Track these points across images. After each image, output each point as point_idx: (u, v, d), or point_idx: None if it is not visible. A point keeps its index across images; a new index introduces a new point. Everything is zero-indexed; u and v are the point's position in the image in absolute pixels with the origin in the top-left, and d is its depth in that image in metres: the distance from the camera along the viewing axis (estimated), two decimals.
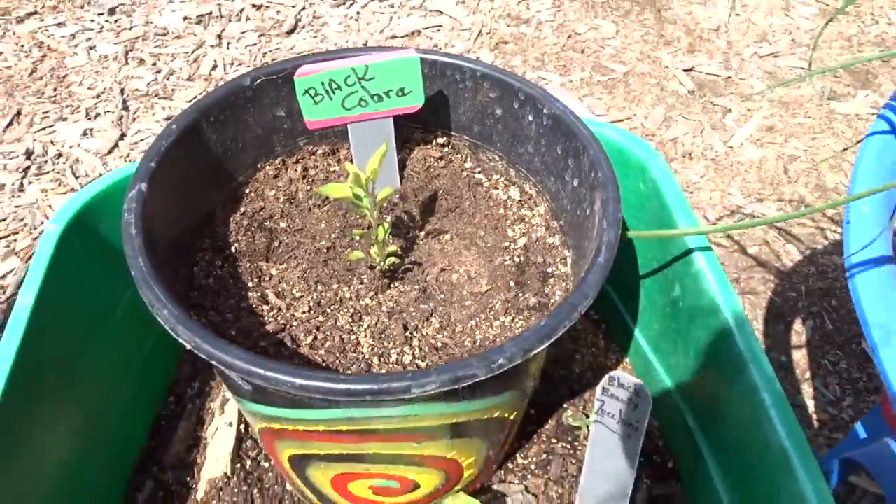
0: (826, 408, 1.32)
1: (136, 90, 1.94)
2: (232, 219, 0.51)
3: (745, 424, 0.45)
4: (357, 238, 0.52)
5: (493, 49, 1.85)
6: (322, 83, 0.48)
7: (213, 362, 0.37)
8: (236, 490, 0.57)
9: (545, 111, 0.50)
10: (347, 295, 0.49)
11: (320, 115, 0.49)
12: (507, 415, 0.47)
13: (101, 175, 1.73)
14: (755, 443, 0.44)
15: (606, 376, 0.44)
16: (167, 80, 1.95)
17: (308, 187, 0.54)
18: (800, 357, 1.33)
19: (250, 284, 0.49)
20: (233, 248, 0.50)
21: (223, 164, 0.52)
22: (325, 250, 0.51)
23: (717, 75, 1.77)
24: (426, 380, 0.35)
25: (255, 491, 0.58)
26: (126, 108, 1.90)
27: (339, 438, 0.42)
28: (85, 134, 1.84)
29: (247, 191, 0.53)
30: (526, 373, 0.44)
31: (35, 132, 1.86)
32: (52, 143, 1.84)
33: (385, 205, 0.53)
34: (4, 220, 1.68)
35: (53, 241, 0.54)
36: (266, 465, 0.60)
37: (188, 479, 0.59)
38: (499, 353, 0.36)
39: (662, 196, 0.54)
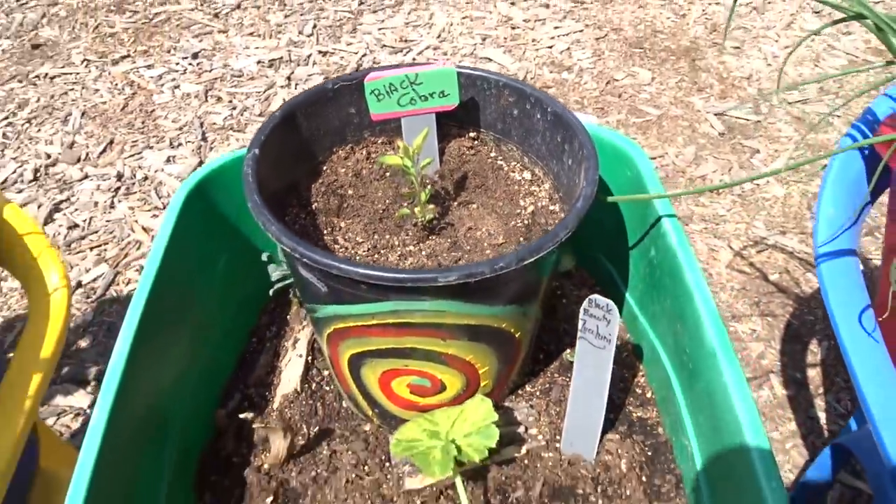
0: (837, 420, 1.44)
1: (214, 124, 2.19)
2: (313, 186, 0.71)
3: (692, 339, 0.61)
4: (406, 204, 0.70)
5: None
6: (384, 86, 0.67)
7: (305, 261, 0.55)
8: (304, 403, 0.75)
9: (549, 110, 0.68)
10: (396, 243, 0.67)
11: (381, 109, 0.68)
12: (512, 330, 0.64)
13: None
14: (697, 350, 0.60)
15: (587, 299, 0.60)
16: (241, 115, 2.20)
17: (370, 166, 0.73)
18: (814, 374, 1.46)
19: (325, 232, 0.67)
20: (313, 207, 0.69)
21: (308, 146, 0.71)
22: (381, 211, 0.69)
23: (747, 119, 1.94)
24: (448, 273, 0.53)
25: (318, 405, 0.75)
26: (204, 139, 2.14)
27: (387, 332, 0.60)
28: (168, 161, 2.09)
29: (324, 167, 0.73)
30: (524, 292, 0.61)
31: (125, 158, 2.12)
32: (139, 167, 2.10)
33: (427, 181, 0.72)
34: (97, 232, 1.92)
35: (180, 202, 0.74)
36: (327, 388, 0.77)
37: (266, 394, 0.77)
38: (500, 260, 0.54)
39: (643, 179, 0.71)
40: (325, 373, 0.79)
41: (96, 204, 2.00)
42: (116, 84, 2.34)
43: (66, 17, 2.63)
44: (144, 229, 1.88)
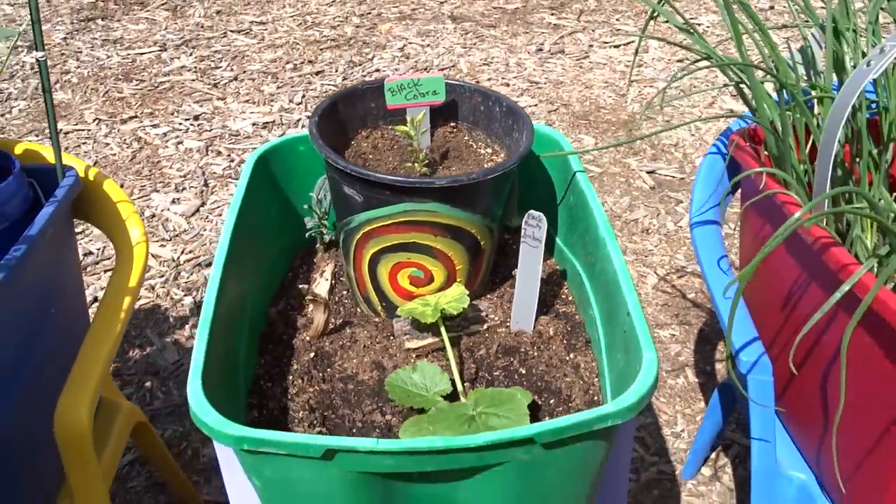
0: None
1: (214, 173, 2.59)
2: (345, 152, 1.10)
3: (592, 240, 1.00)
4: (408, 163, 1.09)
5: None
6: (397, 85, 1.08)
7: (352, 174, 0.93)
8: (330, 307, 1.11)
9: (504, 104, 1.09)
10: None
11: (394, 101, 1.09)
12: (479, 237, 1.02)
13: (185, 230, 2.34)
14: (594, 245, 0.99)
15: (527, 213, 0.99)
16: (239, 166, 2.60)
17: (384, 142, 1.13)
18: (720, 367, 1.85)
19: None
20: None
21: (343, 126, 1.11)
22: (391, 169, 1.09)
23: (674, 177, 2.40)
24: (441, 179, 0.92)
25: (341, 308, 1.12)
26: (206, 184, 2.53)
27: (398, 229, 0.98)
28: (174, 202, 2.47)
29: (352, 141, 1.12)
30: (488, 206, 1.00)
31: (134, 199, 2.50)
32: (147, 207, 2.47)
33: (422, 150, 1.11)
34: (110, 258, 2.26)
35: (252, 164, 1.12)
36: (347, 301, 1.14)
37: (303, 301, 1.13)
38: (473, 174, 0.93)
39: (566, 157, 1.12)
40: (345, 291, 1.16)
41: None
42: (125, 139, 2.73)
43: (77, 83, 3.04)
44: (153, 255, 2.22)
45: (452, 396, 0.94)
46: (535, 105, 2.77)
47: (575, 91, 2.86)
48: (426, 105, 1.11)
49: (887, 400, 0.89)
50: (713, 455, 1.62)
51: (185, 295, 2.10)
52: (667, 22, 1.24)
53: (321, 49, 3.26)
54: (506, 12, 3.59)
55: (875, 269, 0.89)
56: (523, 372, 1.00)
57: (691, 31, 1.17)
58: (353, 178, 0.96)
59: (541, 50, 3.21)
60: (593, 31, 3.37)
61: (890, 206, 0.94)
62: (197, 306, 2.07)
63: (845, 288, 0.86)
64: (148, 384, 1.85)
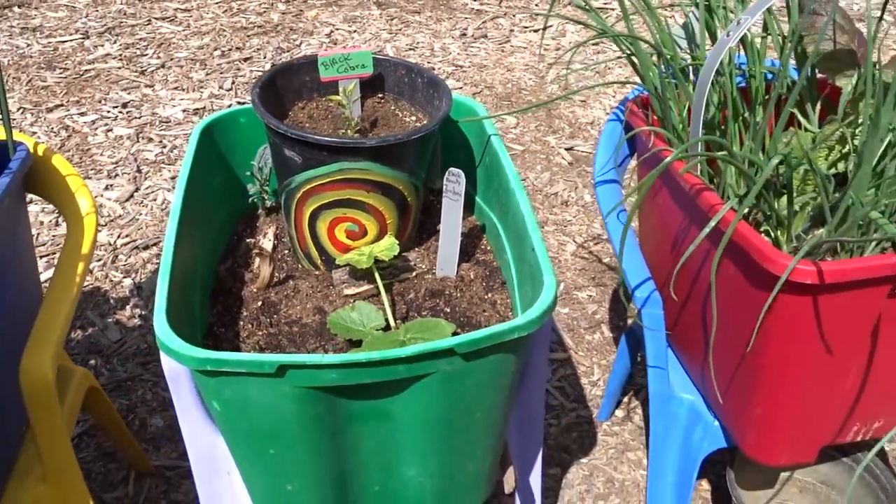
0: None
1: (147, 159, 2.68)
2: (283, 122, 1.24)
3: (504, 191, 1.17)
4: (341, 131, 1.24)
5: None
6: (329, 59, 1.23)
7: (292, 137, 1.08)
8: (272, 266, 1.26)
9: (425, 76, 1.26)
10: None
11: (328, 74, 1.24)
12: (406, 193, 1.18)
13: (120, 215, 2.44)
14: (506, 195, 1.16)
15: (447, 171, 1.15)
16: (171, 152, 2.70)
17: (318, 112, 1.28)
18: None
19: None
20: None
21: (281, 97, 1.26)
22: (328, 133, 1.24)
23: (590, 153, 2.61)
24: (373, 140, 1.08)
25: (284, 264, 1.27)
26: (139, 170, 2.62)
27: (335, 187, 1.13)
28: (107, 188, 2.56)
29: (290, 112, 1.27)
30: (413, 166, 1.16)
31: None
32: None
33: (354, 123, 1.27)
34: (45, 244, 2.35)
35: (197, 135, 1.25)
36: (289, 258, 1.29)
37: (248, 260, 1.27)
38: (400, 135, 1.09)
39: (483, 122, 1.29)
40: (286, 251, 1.30)
41: (42, 223, 2.43)
42: (52, 128, 2.79)
43: None
44: None
45: (386, 331, 1.10)
46: (461, 88, 2.94)
47: (498, 74, 3.05)
48: (356, 77, 1.26)
49: (749, 322, 1.09)
50: (625, 399, 1.82)
51: (123, 277, 2.20)
52: (584, 6, 1.43)
53: (248, 36, 3.36)
54: None
55: (736, 207, 1.08)
56: (448, 310, 1.17)
57: (589, 8, 1.36)
58: (293, 141, 1.11)
59: (464, 35, 3.39)
60: (514, 16, 3.57)
61: (747, 153, 1.14)
62: (137, 287, 2.17)
63: (712, 223, 1.05)
64: (92, 362, 1.95)
